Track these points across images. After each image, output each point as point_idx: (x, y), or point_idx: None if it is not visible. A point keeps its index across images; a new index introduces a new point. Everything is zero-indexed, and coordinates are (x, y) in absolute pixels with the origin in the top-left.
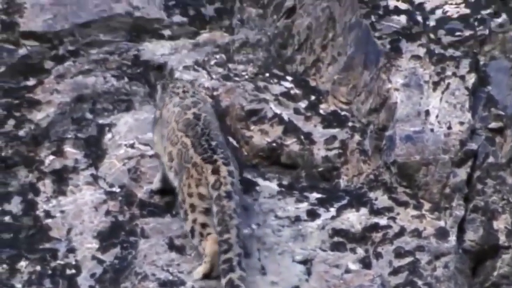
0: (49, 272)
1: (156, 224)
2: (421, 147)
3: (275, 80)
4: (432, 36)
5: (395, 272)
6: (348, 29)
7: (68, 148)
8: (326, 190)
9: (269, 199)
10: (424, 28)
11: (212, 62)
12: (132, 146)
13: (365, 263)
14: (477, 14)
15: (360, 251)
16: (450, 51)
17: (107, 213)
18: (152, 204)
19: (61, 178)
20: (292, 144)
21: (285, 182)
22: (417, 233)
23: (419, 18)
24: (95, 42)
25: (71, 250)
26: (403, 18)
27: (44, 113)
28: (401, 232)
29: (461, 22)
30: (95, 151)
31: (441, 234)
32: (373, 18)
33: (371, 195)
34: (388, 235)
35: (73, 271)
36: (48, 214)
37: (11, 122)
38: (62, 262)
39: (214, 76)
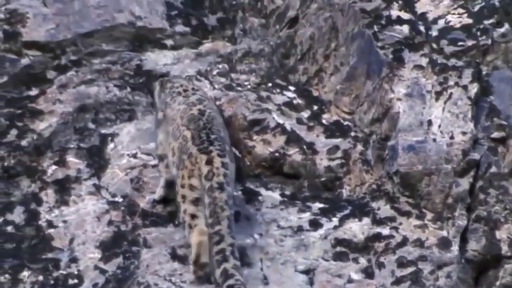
0: (52, 282)
1: (158, 234)
2: (423, 157)
3: (278, 90)
4: (434, 46)
5: (397, 282)
6: (351, 39)
7: (70, 158)
8: (329, 200)
9: (272, 209)
10: (427, 38)
11: (215, 72)
12: (134, 156)
13: (368, 273)
14: (479, 24)
15: (363, 261)
16: (452, 61)
17: (110, 223)
18: (154, 214)
19: (63, 188)
20: (294, 154)
21: (287, 192)
22: (419, 243)
23: (422, 28)
24: (98, 52)
25: (74, 260)
26: (405, 28)
27: (47, 123)
28: (404, 242)
29: (464, 32)
30: (97, 161)
31: (444, 244)
32: (375, 28)
33: (374, 205)
34: (391, 245)
35: (76, 281)
36: (50, 224)
37: (14, 132)
38: (64, 272)
39: (216, 86)
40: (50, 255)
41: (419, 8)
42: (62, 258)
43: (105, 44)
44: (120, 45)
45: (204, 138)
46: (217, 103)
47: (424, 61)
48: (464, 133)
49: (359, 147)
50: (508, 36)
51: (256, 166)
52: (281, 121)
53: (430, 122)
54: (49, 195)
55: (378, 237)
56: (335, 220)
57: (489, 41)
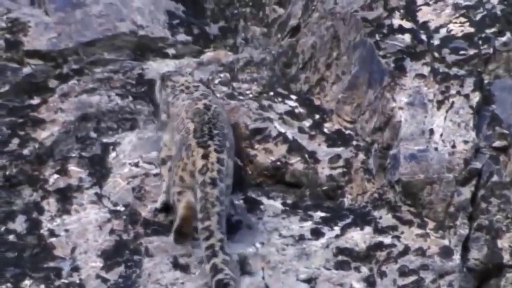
0: None
1: (160, 243)
2: (425, 166)
3: (280, 99)
4: (436, 55)
5: None
6: (353, 48)
7: (72, 167)
8: (330, 208)
9: (273, 218)
10: (429, 47)
11: (217, 81)
12: (136, 165)
13: (370, 282)
14: (481, 33)
15: (365, 270)
16: (454, 70)
17: (112, 232)
18: (156, 223)
19: (65, 197)
20: (296, 163)
21: (289, 201)
22: (421, 252)
23: (424, 37)
24: (100, 61)
25: (75, 269)
26: (407, 37)
27: (49, 132)
28: (405, 250)
29: (466, 41)
30: (99, 170)
31: (445, 252)
32: (377, 37)
33: (375, 213)
34: (393, 254)
35: None
36: (52, 233)
37: (15, 141)
38: (66, 281)
39: (218, 95)
40: (52, 264)
41: (421, 17)
42: (64, 267)
43: (107, 53)
44: (122, 54)
45: (206, 132)
46: None
47: (426, 70)
48: (466, 142)
49: (361, 156)
50: (510, 45)
51: (257, 175)
52: (282, 130)
53: (432, 131)
54: (51, 204)
55: (380, 246)
56: (336, 229)
57: (491, 50)
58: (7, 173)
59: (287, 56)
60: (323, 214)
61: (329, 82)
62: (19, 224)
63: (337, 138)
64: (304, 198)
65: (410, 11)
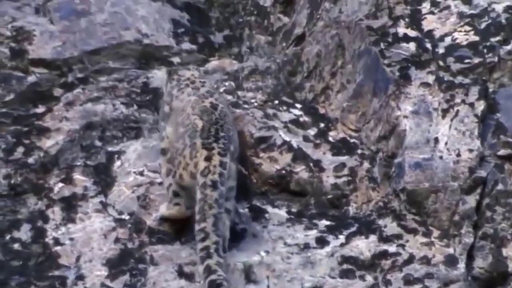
0: None
1: (165, 251)
2: (430, 174)
3: (284, 108)
4: (441, 63)
5: None
6: (357, 57)
7: (77, 176)
8: (335, 217)
9: (278, 226)
10: (433, 56)
11: (221, 90)
12: (141, 173)
13: None
14: (486, 42)
15: (369, 279)
16: (459, 79)
17: (116, 240)
18: (161, 232)
19: (70, 205)
20: (301, 172)
21: (294, 210)
22: (426, 260)
23: (428, 46)
24: (104, 69)
25: (80, 277)
26: (412, 46)
27: (53, 141)
28: (410, 259)
29: (470, 50)
30: (104, 178)
31: (450, 261)
32: (382, 45)
33: (380, 222)
34: (397, 262)
35: None
36: (57, 242)
37: (20, 149)
38: None
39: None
40: (56, 273)
41: (426, 25)
42: (68, 275)
43: (111, 61)
44: (127, 63)
45: (213, 133)
46: None
47: (430, 79)
48: (470, 151)
49: (366, 164)
50: None
51: (262, 183)
52: (287, 139)
53: (436, 140)
54: (55, 213)
55: (384, 254)
56: (341, 238)
57: (496, 59)
58: (12, 181)
59: (292, 64)
60: (328, 223)
61: (334, 90)
62: (24, 233)
63: (342, 147)
64: (309, 206)
65: (415, 20)
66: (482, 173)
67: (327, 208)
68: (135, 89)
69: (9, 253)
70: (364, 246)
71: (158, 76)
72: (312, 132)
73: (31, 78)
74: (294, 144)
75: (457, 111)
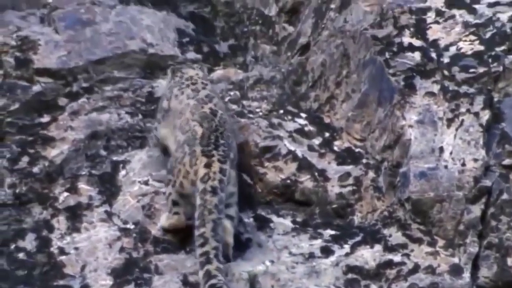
0: None
1: (170, 261)
2: (435, 184)
3: (289, 117)
4: (446, 73)
5: None
6: (362, 66)
7: (82, 185)
8: (340, 227)
9: (283, 235)
10: (438, 65)
11: (226, 99)
12: (146, 183)
13: None
14: (491, 51)
15: None
16: (464, 88)
17: (121, 249)
18: (166, 241)
19: (75, 215)
20: (306, 181)
21: (299, 219)
22: (431, 270)
23: (433, 55)
24: (109, 79)
25: (85, 287)
26: (417, 55)
27: (58, 150)
28: (415, 268)
29: (475, 59)
30: (109, 188)
31: (455, 270)
32: (387, 55)
33: (385, 231)
34: (402, 272)
35: None
36: (62, 251)
37: (25, 159)
38: None
39: (228, 113)
40: (61, 282)
41: (431, 35)
42: (74, 285)
43: (116, 71)
44: (132, 72)
45: (212, 140)
46: None
47: (435, 88)
48: (475, 160)
49: (371, 174)
50: None
51: (267, 193)
52: (292, 148)
53: (441, 149)
54: (60, 222)
55: (389, 264)
56: (346, 247)
57: (501, 68)
58: (17, 191)
59: (297, 74)
60: (333, 232)
61: (339, 100)
62: (29, 242)
63: (347, 156)
64: (314, 216)
65: (420, 29)
66: (487, 182)
67: (332, 218)
68: (140, 99)
69: (14, 263)
70: (369, 256)
71: (163, 85)
72: (317, 141)
73: (36, 88)
74: (299, 154)
75: (462, 120)
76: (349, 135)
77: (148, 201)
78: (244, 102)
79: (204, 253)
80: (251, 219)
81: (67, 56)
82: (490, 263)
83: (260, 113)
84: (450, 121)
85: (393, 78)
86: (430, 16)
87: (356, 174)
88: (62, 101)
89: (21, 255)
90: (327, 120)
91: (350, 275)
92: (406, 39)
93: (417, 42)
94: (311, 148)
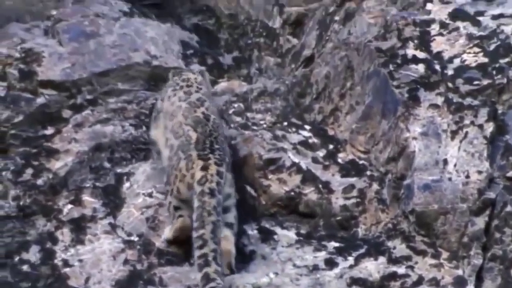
0: None
1: (174, 273)
2: (439, 196)
3: (293, 129)
4: (450, 85)
5: None
6: (366, 78)
7: (86, 197)
8: (344, 239)
9: (287, 248)
10: (442, 77)
11: (230, 111)
12: (150, 195)
13: None
14: (495, 63)
15: None
16: (468, 100)
17: (125, 262)
18: (170, 253)
19: (79, 227)
20: (310, 193)
21: (303, 231)
22: (435, 282)
23: (437, 67)
24: (113, 91)
25: None
26: (421, 67)
27: (62, 162)
28: (419, 281)
29: (479, 71)
30: (113, 200)
31: (459, 282)
32: (391, 67)
33: (389, 244)
34: (406, 284)
35: None
36: (66, 263)
37: (29, 171)
38: None
39: (232, 125)
40: None
41: (435, 47)
42: None
43: (120, 83)
44: (136, 84)
45: (208, 145)
46: (233, 142)
47: (439, 100)
48: (479, 172)
49: (375, 186)
50: None
51: (271, 205)
52: (296, 160)
53: (445, 161)
54: (64, 234)
55: (393, 276)
56: (350, 259)
57: (505, 80)
58: (21, 203)
59: (301, 86)
60: (337, 244)
61: (343, 112)
62: (33, 254)
63: (351, 168)
64: (318, 228)
65: (424, 41)
66: (491, 194)
67: (336, 230)
68: (144, 111)
69: (18, 275)
70: (373, 268)
71: None
72: (321, 153)
73: (40, 100)
74: (303, 166)
75: (466, 132)
76: (353, 147)
77: (152, 213)
78: (248, 114)
79: (202, 255)
80: (255, 231)
81: (71, 68)
82: (494, 275)
83: (264, 125)
84: (454, 133)
85: (397, 90)
86: (434, 28)
87: (360, 186)
88: (66, 113)
89: (25, 267)
90: (331, 132)
91: (354, 287)
92: (410, 51)
93: (421, 54)
94: (315, 160)
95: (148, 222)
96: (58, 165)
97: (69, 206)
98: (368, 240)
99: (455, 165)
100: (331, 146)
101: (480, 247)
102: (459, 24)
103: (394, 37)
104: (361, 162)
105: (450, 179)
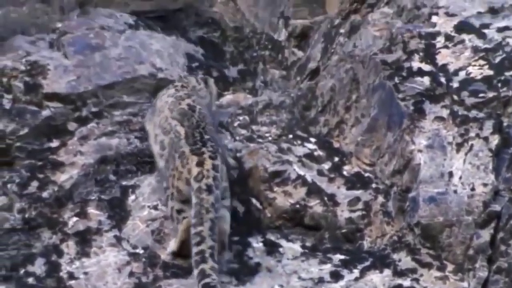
0: None
1: (179, 285)
2: (444, 209)
3: (299, 142)
4: (455, 97)
5: None
6: (372, 91)
7: (91, 210)
8: (350, 251)
9: (293, 260)
10: (448, 90)
11: (236, 124)
12: (155, 207)
13: None
14: (500, 76)
15: None
16: (473, 113)
17: (131, 274)
18: (175, 266)
19: (84, 239)
20: (315, 206)
21: (308, 244)
22: None
23: (443, 80)
24: (119, 103)
25: None
26: (426, 80)
27: (68, 175)
28: None
29: (485, 84)
30: (118, 212)
31: None
32: (396, 79)
33: (395, 256)
34: None
35: None
36: (71, 276)
37: (35, 183)
38: None
39: (237, 138)
40: None
41: (440, 59)
42: None
43: (126, 95)
44: (141, 97)
45: (198, 138)
46: (238, 154)
47: (445, 113)
48: (485, 185)
49: (380, 198)
50: None
51: (277, 217)
52: (302, 173)
53: (451, 174)
54: (70, 247)
55: None
56: (356, 272)
57: (510, 93)
58: (27, 215)
59: (306, 98)
60: (342, 257)
61: (348, 124)
62: (39, 267)
63: (356, 181)
64: (323, 240)
65: (429, 54)
66: (497, 207)
67: (341, 242)
68: None
69: (23, 287)
70: (378, 281)
71: None
72: (326, 166)
73: (46, 112)
74: (309, 178)
75: (472, 145)
76: (358, 160)
77: (157, 225)
78: (254, 127)
79: (199, 252)
80: (261, 244)
81: (77, 81)
82: (499, 287)
83: (270, 138)
84: (459, 146)
85: (403, 103)
86: (440, 41)
87: (366, 199)
88: (71, 125)
89: (30, 280)
90: (336, 145)
91: None
92: (416, 64)
93: (426, 67)
94: (320, 172)
95: (154, 234)
96: (64, 177)
97: (75, 218)
98: (374, 252)
99: (460, 178)
100: (336, 159)
101: (485, 260)
102: (465, 36)
103: (400, 50)
104: (366, 174)
105: (455, 191)
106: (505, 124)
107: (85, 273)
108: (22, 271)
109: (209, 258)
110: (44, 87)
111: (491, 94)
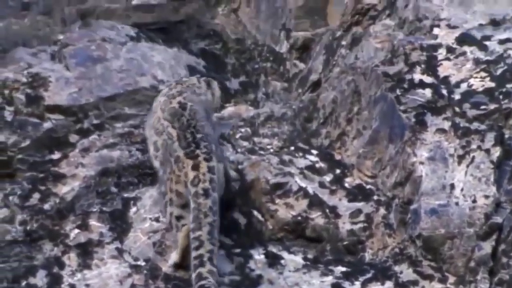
0: None
1: None
2: (446, 221)
3: (300, 154)
4: (457, 109)
5: None
6: (373, 103)
7: (93, 222)
8: (351, 263)
9: (294, 272)
10: (449, 102)
11: (237, 136)
12: (157, 219)
13: None
14: (502, 88)
15: None
16: (475, 125)
17: (132, 286)
18: (177, 278)
19: (86, 251)
20: (317, 218)
21: (310, 256)
22: None
23: (444, 92)
24: (120, 115)
25: None
26: (428, 92)
27: (69, 187)
28: None
29: (486, 96)
30: (120, 224)
31: None
32: (398, 91)
33: (396, 268)
34: None
35: None
36: None
37: (36, 195)
38: None
39: (239, 150)
40: None
41: (442, 71)
42: None
43: (127, 107)
44: (143, 109)
45: (190, 139)
46: (240, 166)
47: (446, 125)
48: (486, 197)
49: (382, 210)
50: None
51: (278, 229)
52: (303, 185)
53: (452, 186)
54: (71, 259)
55: None
56: (357, 284)
57: None
58: (28, 227)
59: (308, 110)
60: (344, 269)
61: (350, 136)
62: (40, 279)
63: (358, 193)
64: (325, 252)
65: (430, 66)
66: (498, 219)
67: (343, 254)
68: None
69: None
70: None
71: None
72: (328, 178)
73: (47, 124)
74: (310, 190)
75: (473, 157)
76: (360, 172)
77: (159, 238)
78: (255, 139)
79: (198, 256)
80: (262, 256)
81: (78, 93)
82: None
83: (271, 150)
84: (461, 158)
85: (404, 115)
86: (441, 53)
87: (367, 211)
88: (73, 137)
89: None
90: (338, 157)
91: None
92: (417, 76)
93: (428, 79)
94: (322, 185)
95: (155, 246)
96: (65, 189)
97: (76, 230)
98: (375, 264)
99: (462, 190)
100: (338, 171)
101: (487, 272)
102: (466, 48)
103: (401, 62)
104: (368, 186)
105: (457, 203)
106: (506, 136)
107: (87, 285)
108: (23, 283)
109: (207, 262)
110: (45, 99)
111: (492, 106)
